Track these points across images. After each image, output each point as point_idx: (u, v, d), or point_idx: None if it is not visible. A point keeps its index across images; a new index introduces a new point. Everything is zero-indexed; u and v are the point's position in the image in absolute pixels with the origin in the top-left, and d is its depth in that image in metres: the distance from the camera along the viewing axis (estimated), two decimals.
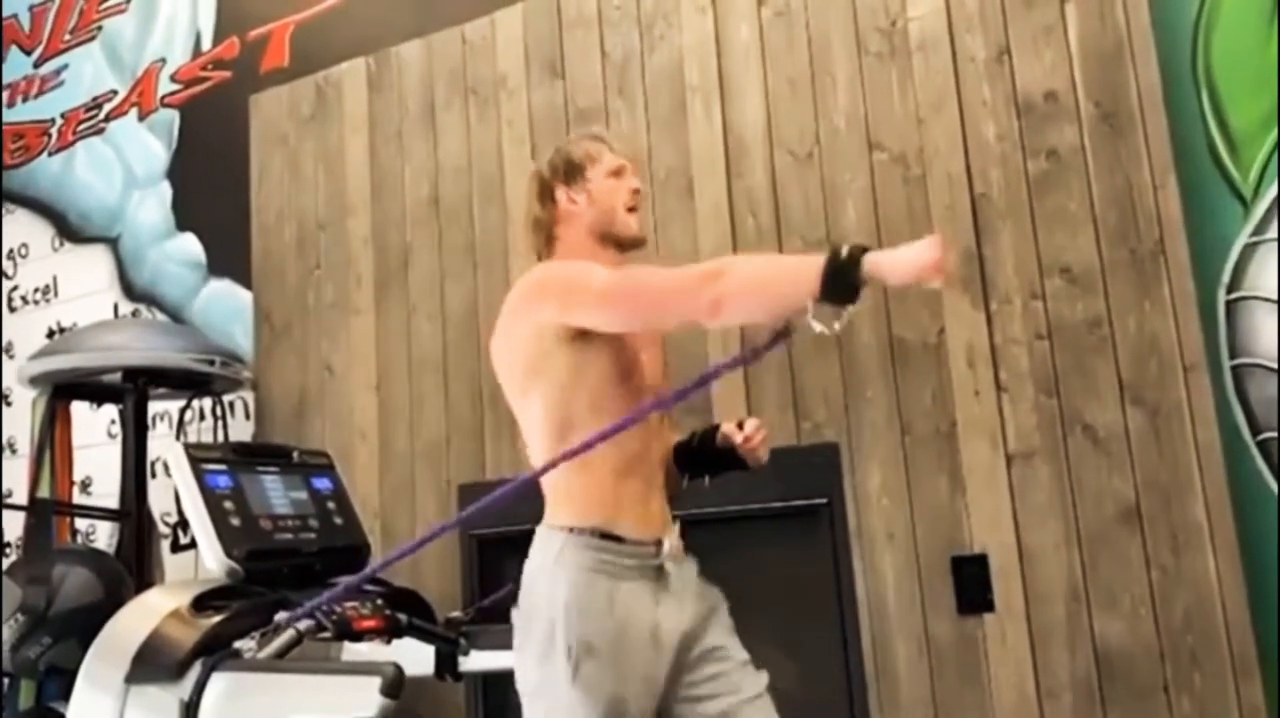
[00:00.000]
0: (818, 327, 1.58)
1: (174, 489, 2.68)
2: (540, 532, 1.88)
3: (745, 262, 1.85)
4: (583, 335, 1.83)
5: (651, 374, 1.97)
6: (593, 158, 2.04)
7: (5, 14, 5.15)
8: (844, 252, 1.56)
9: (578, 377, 1.84)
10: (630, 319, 1.84)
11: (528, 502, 1.88)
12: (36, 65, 5.07)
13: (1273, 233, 2.21)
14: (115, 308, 4.55)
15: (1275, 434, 2.20)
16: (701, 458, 2.07)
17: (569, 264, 1.95)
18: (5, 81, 5.13)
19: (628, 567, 1.82)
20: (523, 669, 1.84)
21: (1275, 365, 2.20)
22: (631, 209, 2.03)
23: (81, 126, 4.85)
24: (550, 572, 1.81)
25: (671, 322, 1.90)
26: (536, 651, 1.79)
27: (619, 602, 1.79)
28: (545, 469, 1.82)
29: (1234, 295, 2.28)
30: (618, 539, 1.82)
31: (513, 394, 1.95)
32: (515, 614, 1.87)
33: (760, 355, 1.75)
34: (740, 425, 2.04)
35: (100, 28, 4.88)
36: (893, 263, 1.55)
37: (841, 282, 1.55)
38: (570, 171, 2.03)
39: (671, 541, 1.89)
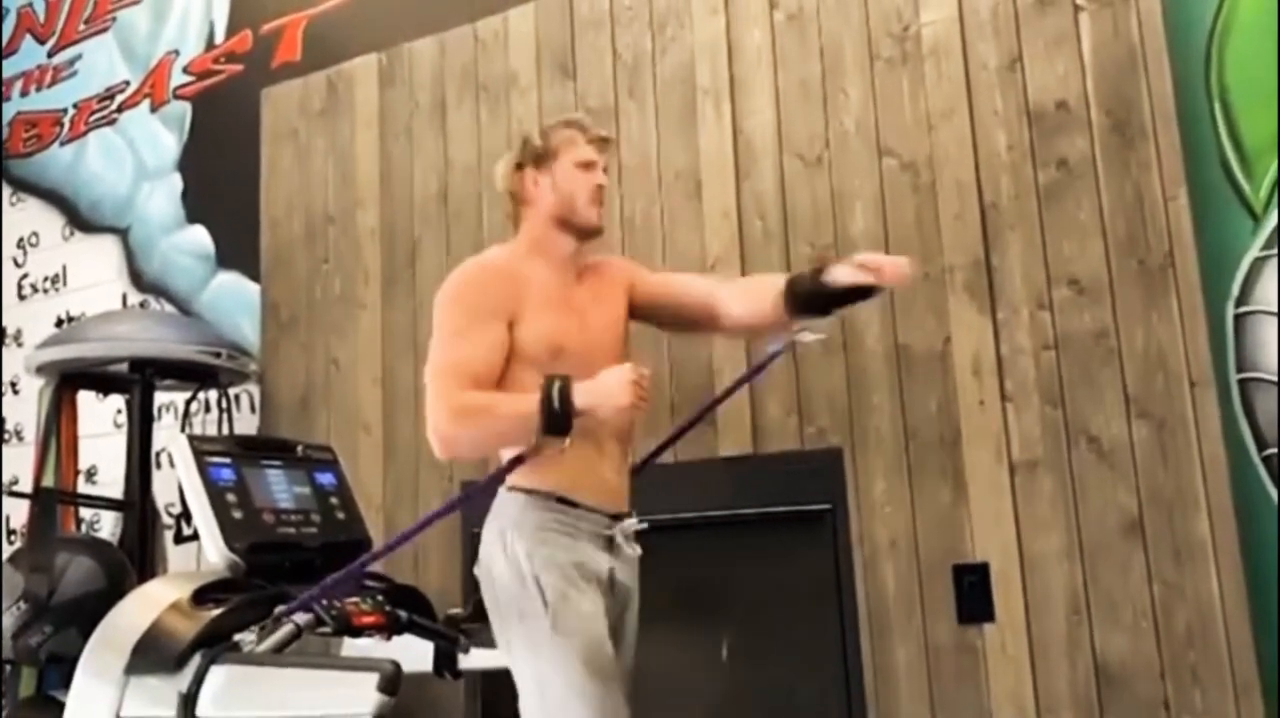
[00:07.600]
0: (548, 452, 1.86)
1: (177, 481, 2.68)
2: (501, 494, 1.97)
3: (482, 412, 1.94)
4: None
5: (599, 332, 2.07)
6: (565, 146, 2.12)
7: (20, 1, 5.17)
8: (555, 400, 1.82)
9: (509, 364, 1.98)
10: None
11: None
12: (50, 55, 5.08)
13: None
14: (124, 298, 4.56)
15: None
16: (817, 299, 2.05)
17: (447, 331, 2.05)
18: (20, 70, 5.14)
19: (582, 529, 1.93)
20: (503, 630, 1.93)
21: (1278, 380, 2.19)
22: (594, 202, 2.11)
23: (94, 117, 4.86)
24: (511, 533, 1.92)
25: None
26: (513, 608, 1.89)
27: (579, 550, 1.91)
28: (510, 468, 1.94)
29: (1242, 309, 2.27)
30: (573, 504, 1.93)
31: None
32: (478, 572, 1.96)
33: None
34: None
35: (114, 18, 4.89)
36: (595, 403, 1.84)
37: (558, 423, 1.83)
38: (539, 157, 2.12)
39: (627, 523, 2.00)
